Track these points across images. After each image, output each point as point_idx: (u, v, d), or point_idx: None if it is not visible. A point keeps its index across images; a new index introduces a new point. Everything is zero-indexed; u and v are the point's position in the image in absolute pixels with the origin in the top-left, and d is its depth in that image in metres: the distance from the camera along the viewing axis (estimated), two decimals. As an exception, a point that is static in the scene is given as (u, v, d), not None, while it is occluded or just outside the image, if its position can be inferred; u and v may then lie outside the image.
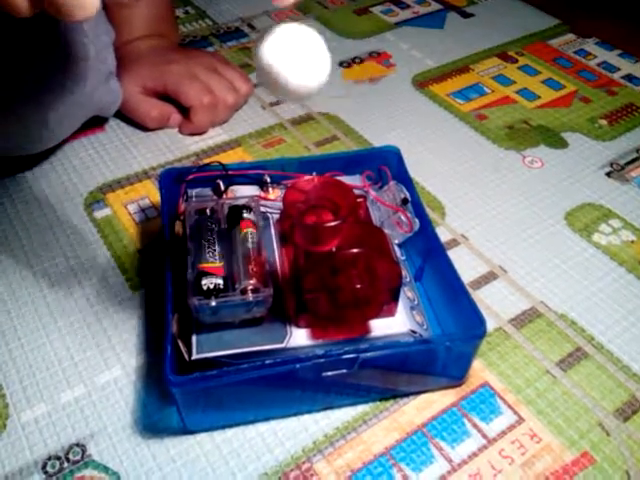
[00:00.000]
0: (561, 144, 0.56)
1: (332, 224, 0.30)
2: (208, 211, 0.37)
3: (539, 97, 0.61)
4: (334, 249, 0.31)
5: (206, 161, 0.53)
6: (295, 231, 0.32)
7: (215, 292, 0.33)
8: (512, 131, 0.57)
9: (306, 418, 0.36)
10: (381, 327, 0.35)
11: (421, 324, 0.36)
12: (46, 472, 0.33)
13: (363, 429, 0.36)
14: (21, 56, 0.41)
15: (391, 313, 0.35)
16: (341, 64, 0.66)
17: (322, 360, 0.32)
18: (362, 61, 0.66)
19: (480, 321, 0.34)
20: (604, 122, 0.58)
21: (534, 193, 0.51)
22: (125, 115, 0.56)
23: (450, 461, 0.34)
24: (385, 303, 0.33)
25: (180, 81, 0.53)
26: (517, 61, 0.67)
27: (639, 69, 0.65)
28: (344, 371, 0.33)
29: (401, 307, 0.36)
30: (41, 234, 0.46)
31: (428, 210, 0.49)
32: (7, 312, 0.41)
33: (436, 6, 0.77)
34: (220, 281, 0.33)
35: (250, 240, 0.35)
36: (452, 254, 0.45)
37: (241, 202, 0.38)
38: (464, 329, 0.36)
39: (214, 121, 0.56)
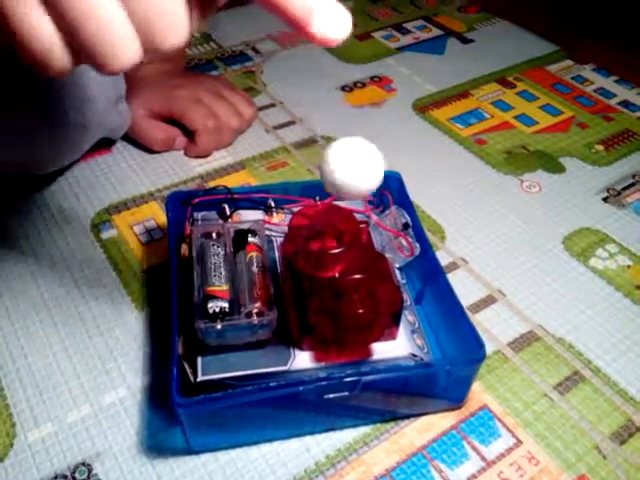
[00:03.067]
0: (558, 169, 0.57)
1: (335, 251, 0.31)
2: (214, 234, 0.38)
3: (537, 122, 0.63)
4: (337, 274, 0.32)
5: (211, 183, 0.54)
6: (299, 257, 0.33)
7: (221, 315, 0.33)
8: (510, 156, 0.58)
9: (308, 439, 0.37)
10: (382, 350, 0.35)
11: (422, 347, 0.37)
12: (52, 491, 0.34)
13: (364, 450, 0.36)
14: (33, 77, 0.42)
15: (392, 336, 0.36)
16: (343, 88, 0.67)
17: (324, 383, 0.33)
18: (364, 85, 0.68)
19: (479, 345, 0.35)
20: (600, 147, 0.60)
21: (532, 217, 0.52)
22: (132, 137, 0.57)
23: (450, 483, 0.35)
24: (386, 327, 0.34)
25: (186, 106, 0.54)
26: (516, 86, 0.68)
27: (635, 95, 0.67)
28: (346, 393, 0.34)
29: (402, 331, 0.36)
30: (49, 254, 0.47)
31: (428, 234, 0.50)
32: (14, 331, 0.42)
33: (437, 32, 0.78)
34: (226, 304, 0.34)
35: (255, 264, 0.36)
36: (452, 277, 0.46)
37: (246, 226, 0.39)
38: (464, 353, 0.36)
39: (219, 144, 0.57)
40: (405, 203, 0.44)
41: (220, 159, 0.57)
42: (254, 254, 0.37)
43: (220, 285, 0.35)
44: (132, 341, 0.41)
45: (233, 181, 0.54)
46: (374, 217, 0.44)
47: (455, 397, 0.38)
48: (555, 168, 0.57)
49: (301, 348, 0.35)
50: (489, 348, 0.42)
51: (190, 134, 0.56)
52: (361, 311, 0.32)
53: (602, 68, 0.71)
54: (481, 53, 0.74)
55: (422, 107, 0.65)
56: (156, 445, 0.36)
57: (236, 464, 0.35)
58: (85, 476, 0.35)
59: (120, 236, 0.49)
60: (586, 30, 0.79)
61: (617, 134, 0.61)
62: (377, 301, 0.33)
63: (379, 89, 0.67)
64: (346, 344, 0.34)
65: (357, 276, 0.32)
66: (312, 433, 0.37)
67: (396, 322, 0.35)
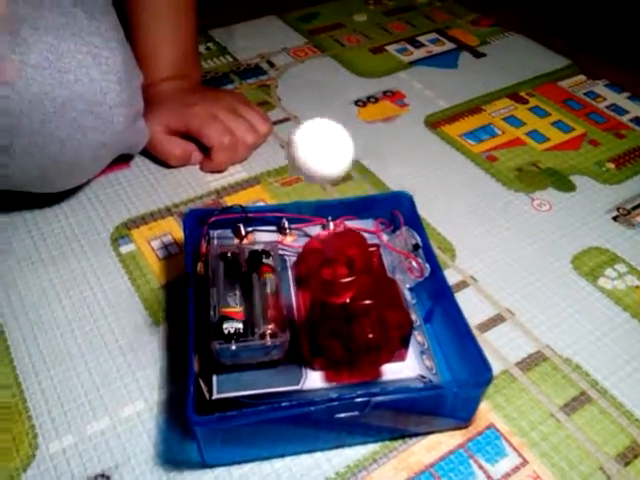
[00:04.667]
0: (569, 187, 0.58)
1: (346, 280, 0.32)
2: (230, 255, 0.39)
3: (548, 139, 0.63)
4: (348, 300, 0.33)
5: (226, 199, 0.55)
6: (311, 282, 0.34)
7: (235, 336, 0.35)
8: (521, 173, 0.59)
9: (319, 455, 0.38)
10: (392, 372, 0.37)
11: (430, 369, 0.38)
12: (73, 502, 0.35)
13: (373, 468, 0.37)
14: (54, 98, 0.43)
15: (402, 358, 0.37)
16: (356, 103, 0.68)
17: (335, 403, 0.34)
18: (377, 100, 0.69)
19: (486, 368, 0.36)
20: (611, 165, 0.60)
21: (542, 236, 0.53)
22: (149, 153, 0.58)
23: (456, 501, 0.36)
24: (396, 350, 0.35)
25: (202, 122, 0.55)
26: (528, 102, 0.69)
27: (647, 112, 0.67)
28: (356, 413, 0.35)
29: (411, 352, 0.37)
30: (70, 268, 0.49)
31: (438, 252, 0.51)
32: (37, 345, 0.43)
33: (450, 45, 0.79)
34: (240, 325, 0.35)
35: (269, 285, 0.37)
36: (461, 296, 0.47)
37: (260, 247, 0.40)
38: (471, 374, 0.37)
39: (234, 160, 0.58)
40: (416, 223, 0.45)
41: (235, 174, 0.58)
42: (268, 275, 0.38)
43: (235, 306, 0.36)
44: (150, 355, 0.43)
45: (248, 197, 0.56)
46: (385, 238, 0.45)
47: (463, 416, 0.39)
48: (565, 186, 0.58)
49: (313, 368, 0.36)
50: (497, 368, 0.43)
51: (206, 149, 0.57)
52: (371, 336, 0.33)
53: (615, 84, 0.72)
54: (493, 67, 0.75)
55: (434, 123, 0.66)
56: (172, 458, 0.37)
57: (249, 478, 0.37)
58: (104, 488, 0.36)
59: (138, 251, 0.50)
60: (599, 45, 0.79)
61: (629, 151, 0.62)
62: (387, 325, 0.34)
63: (392, 104, 0.68)
64: (356, 366, 0.35)
65: (367, 302, 0.33)
66: (323, 449, 0.38)
67: (405, 345, 0.36)
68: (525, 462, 0.38)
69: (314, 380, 0.36)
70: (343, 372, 0.36)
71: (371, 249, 0.39)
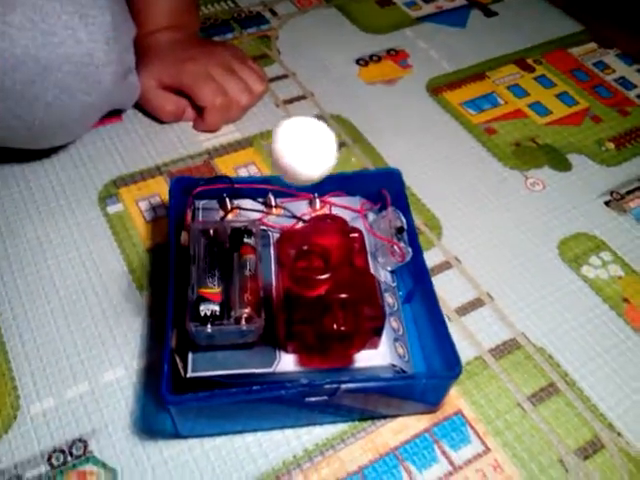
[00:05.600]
0: (565, 166, 0.57)
1: (321, 277, 0.33)
2: (212, 232, 0.39)
3: (551, 112, 0.62)
4: (323, 292, 0.34)
5: (217, 160, 0.55)
6: (287, 273, 0.34)
7: (211, 319, 0.35)
8: (519, 149, 0.58)
9: (290, 432, 0.39)
10: (364, 359, 0.37)
11: (402, 356, 0.39)
12: (51, 464, 0.37)
13: (341, 447, 0.39)
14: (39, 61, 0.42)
15: (374, 346, 0.37)
16: (358, 62, 0.66)
17: (306, 388, 0.35)
18: (379, 59, 0.67)
19: (456, 362, 0.36)
20: (611, 145, 0.59)
21: (531, 218, 0.52)
22: (142, 107, 0.57)
23: (417, 484, 0.37)
24: (368, 340, 0.36)
25: (195, 81, 0.54)
26: (534, 70, 0.66)
27: (656, 88, 0.65)
28: (325, 398, 0.36)
29: (384, 340, 0.38)
30: (57, 227, 0.49)
31: (425, 229, 0.51)
32: (22, 305, 0.44)
33: (461, 1, 0.76)
34: (217, 307, 0.36)
35: (248, 267, 0.37)
36: (444, 277, 0.48)
37: (243, 225, 0.40)
38: (442, 365, 0.38)
39: (227, 121, 0.57)
40: (403, 203, 0.45)
41: (228, 134, 0.57)
42: (248, 257, 0.38)
43: (213, 287, 0.37)
44: (132, 321, 0.44)
45: (239, 159, 0.55)
46: (370, 217, 0.45)
47: (432, 401, 0.40)
48: (562, 165, 0.57)
49: (286, 350, 0.37)
50: (470, 353, 0.43)
51: (199, 107, 0.56)
52: (343, 328, 0.34)
53: (626, 54, 0.69)
54: (504, 28, 0.72)
55: (436, 88, 0.64)
56: (147, 427, 0.39)
57: (220, 451, 0.38)
58: (81, 452, 0.38)
59: (126, 212, 0.50)
60: (615, 13, 0.76)
61: (631, 131, 0.61)
62: (360, 318, 0.34)
63: (394, 64, 0.66)
64: (328, 352, 0.36)
65: (342, 295, 0.33)
66: (294, 426, 0.39)
67: (378, 335, 0.36)
68: (487, 450, 0.39)
69: (287, 363, 0.37)
70: (315, 357, 0.37)
71: (353, 235, 0.39)
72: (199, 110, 0.56)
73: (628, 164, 0.57)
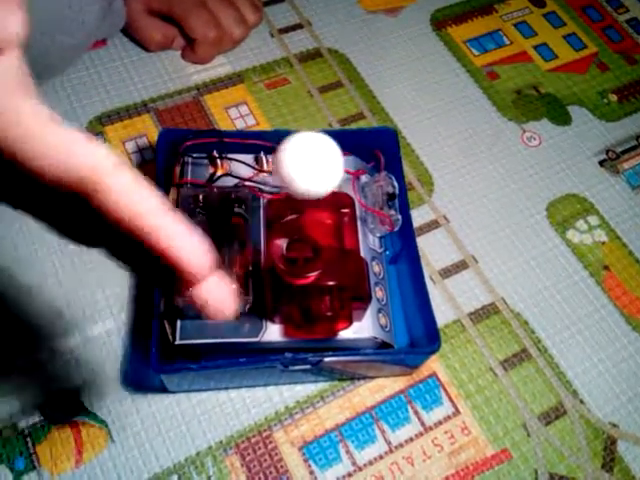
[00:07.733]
0: (564, 120, 0.56)
1: (311, 274, 0.33)
2: (200, 198, 0.39)
3: (556, 57, 0.59)
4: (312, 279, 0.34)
5: (206, 97, 0.53)
6: (276, 264, 0.34)
7: (199, 292, 0.36)
8: (519, 97, 0.56)
9: (272, 389, 0.41)
10: (347, 331, 0.38)
11: (385, 327, 0.40)
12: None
13: (320, 405, 0.41)
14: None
15: (358, 319, 0.39)
16: (360, -15, 0.62)
17: (289, 359, 0.36)
18: (383, -17, 0.62)
19: (436, 337, 0.38)
20: (614, 98, 0.57)
21: (524, 176, 0.52)
22: (128, 32, 0.54)
23: (389, 443, 0.40)
24: (354, 319, 0.37)
25: (187, 10, 0.51)
26: (545, 5, 0.63)
27: (669, 32, 0.63)
28: (308, 367, 0.37)
29: (368, 312, 0.39)
30: (41, 167, 0.48)
31: (417, 184, 0.51)
32: (17, 259, 0.44)
33: None
34: (205, 280, 0.36)
35: (238, 240, 0.38)
36: (431, 237, 0.48)
37: (234, 192, 0.39)
38: (424, 333, 0.40)
39: (218, 53, 0.54)
40: (396, 166, 0.44)
41: (218, 67, 0.55)
42: (238, 229, 0.38)
43: (201, 259, 0.37)
44: (121, 273, 0.44)
45: (230, 96, 0.53)
46: (363, 179, 0.44)
47: (410, 366, 0.42)
48: (561, 118, 0.56)
49: (272, 321, 0.38)
50: (450, 316, 0.45)
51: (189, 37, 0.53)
52: (330, 313, 0.34)
53: (644, -10, 0.65)
54: (518, -49, 0.67)
55: (440, 22, 0.60)
56: (136, 380, 0.41)
57: (206, 405, 0.40)
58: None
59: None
60: None
61: (636, 82, 0.59)
62: (347, 303, 0.35)
63: (398, -9, 0.62)
64: (314, 329, 0.37)
65: (330, 283, 0.34)
66: (277, 384, 0.41)
67: (363, 311, 0.37)
68: (457, 412, 0.42)
69: (273, 333, 0.38)
70: (300, 329, 0.38)
71: (344, 210, 0.39)
72: (189, 40, 0.53)
73: (627, 120, 0.56)
